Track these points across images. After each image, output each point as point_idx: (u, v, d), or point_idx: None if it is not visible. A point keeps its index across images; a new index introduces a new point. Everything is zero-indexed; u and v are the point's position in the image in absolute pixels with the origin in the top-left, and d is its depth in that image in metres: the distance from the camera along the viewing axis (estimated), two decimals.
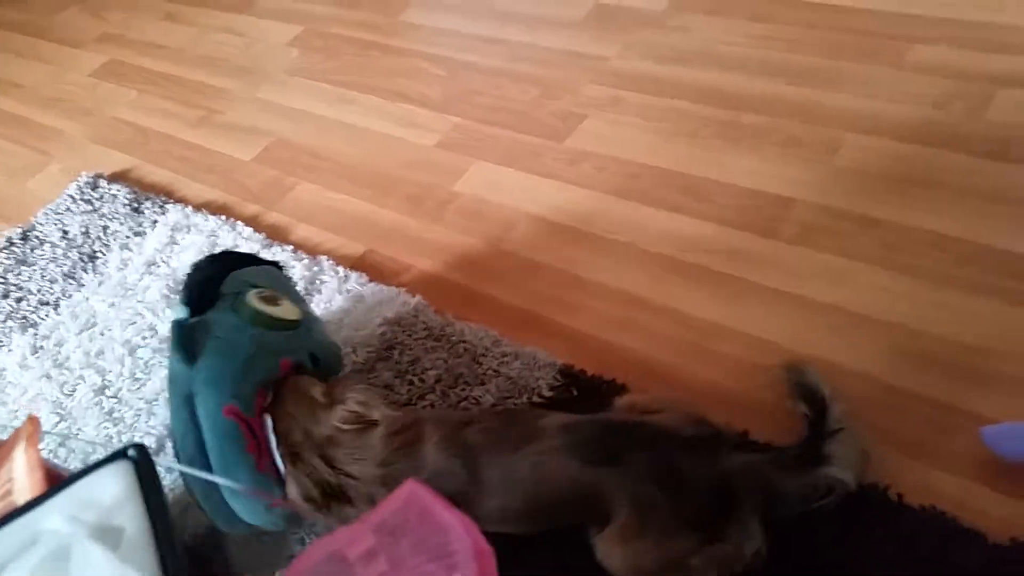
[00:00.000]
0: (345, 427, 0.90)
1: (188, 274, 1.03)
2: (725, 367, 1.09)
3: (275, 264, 1.16)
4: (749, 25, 1.61)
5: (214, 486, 0.88)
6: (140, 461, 0.44)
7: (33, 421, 0.56)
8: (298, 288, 1.32)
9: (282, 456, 0.91)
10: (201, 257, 1.08)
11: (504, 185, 1.45)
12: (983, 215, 1.16)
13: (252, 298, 0.99)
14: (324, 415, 0.91)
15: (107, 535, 0.39)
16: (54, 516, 0.41)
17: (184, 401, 0.90)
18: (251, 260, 1.11)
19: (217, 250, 1.41)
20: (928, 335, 1.06)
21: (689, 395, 1.06)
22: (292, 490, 0.91)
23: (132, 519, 0.41)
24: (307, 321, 1.07)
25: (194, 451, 0.89)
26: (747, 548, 0.82)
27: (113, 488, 0.42)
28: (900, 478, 0.92)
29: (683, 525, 0.81)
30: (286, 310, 1.02)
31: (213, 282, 1.02)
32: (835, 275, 1.15)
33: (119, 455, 0.44)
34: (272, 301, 1.02)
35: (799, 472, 0.84)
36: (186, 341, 0.92)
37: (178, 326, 0.94)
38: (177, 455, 0.90)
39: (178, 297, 1.01)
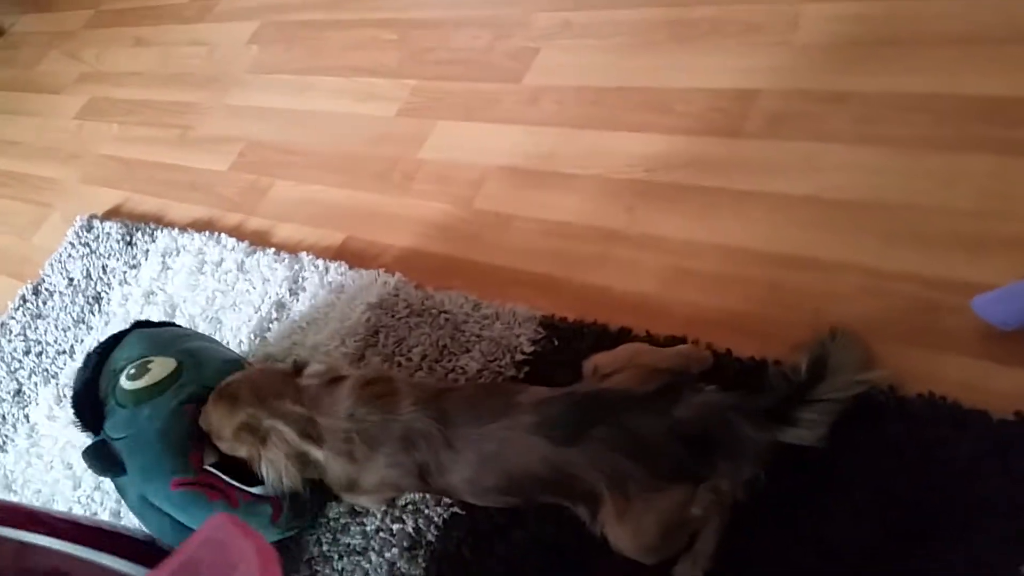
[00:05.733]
0: (312, 382, 0.93)
1: (72, 401, 1.06)
2: (703, 286, 1.04)
3: (136, 324, 1.17)
4: None
5: None
6: None
7: None
8: (279, 289, 1.33)
9: (250, 460, 0.93)
10: (75, 372, 1.11)
11: (468, 142, 1.41)
12: (959, 62, 1.06)
13: (123, 382, 1.02)
14: (290, 381, 0.94)
15: None
16: None
17: (142, 502, 0.97)
18: (114, 341, 1.12)
19: (204, 271, 1.44)
20: (915, 207, 0.99)
21: (669, 321, 1.02)
22: (270, 477, 0.92)
23: None
24: (191, 358, 1.07)
25: (176, 533, 0.96)
26: (739, 476, 0.79)
27: None
28: (899, 368, 0.87)
29: (662, 482, 0.78)
30: (158, 369, 1.03)
31: (91, 393, 1.05)
32: (807, 163, 1.08)
33: None
34: (142, 371, 1.03)
35: (760, 426, 0.76)
36: (106, 459, 0.98)
37: (90, 453, 0.98)
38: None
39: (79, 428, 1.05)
